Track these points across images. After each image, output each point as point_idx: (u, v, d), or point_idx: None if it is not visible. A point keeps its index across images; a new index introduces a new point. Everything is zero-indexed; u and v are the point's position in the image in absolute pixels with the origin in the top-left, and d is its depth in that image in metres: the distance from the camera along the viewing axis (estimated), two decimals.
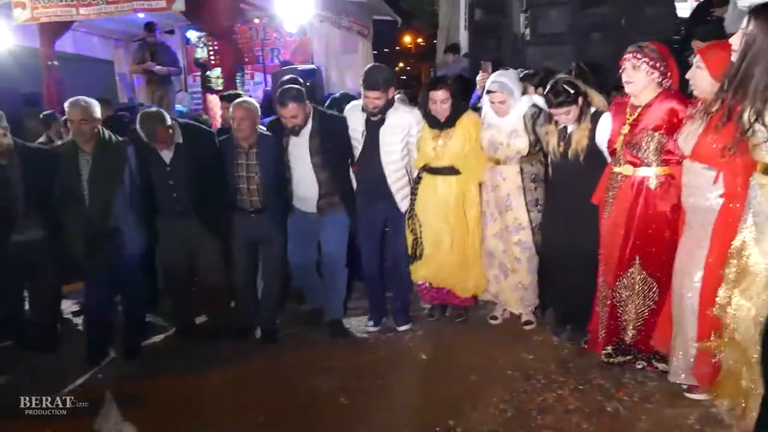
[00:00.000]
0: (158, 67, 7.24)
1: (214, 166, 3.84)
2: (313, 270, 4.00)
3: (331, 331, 3.95)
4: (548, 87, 3.39)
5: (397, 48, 26.50)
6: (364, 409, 3.10)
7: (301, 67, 5.80)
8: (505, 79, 3.63)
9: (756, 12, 2.18)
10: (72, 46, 7.56)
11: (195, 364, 3.67)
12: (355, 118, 3.82)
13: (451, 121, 3.71)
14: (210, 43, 6.78)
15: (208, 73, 7.68)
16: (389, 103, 3.72)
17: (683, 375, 2.90)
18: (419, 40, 27.02)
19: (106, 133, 3.75)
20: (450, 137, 3.71)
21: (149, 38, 7.17)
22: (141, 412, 3.15)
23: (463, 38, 9.09)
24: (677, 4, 7.75)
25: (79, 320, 4.42)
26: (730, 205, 2.52)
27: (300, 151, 3.76)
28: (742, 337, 2.37)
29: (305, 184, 3.79)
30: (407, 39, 27.66)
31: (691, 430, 2.67)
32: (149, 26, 7.10)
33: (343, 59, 8.34)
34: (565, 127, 3.41)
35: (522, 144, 3.63)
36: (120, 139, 3.81)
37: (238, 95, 4.38)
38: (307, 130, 3.74)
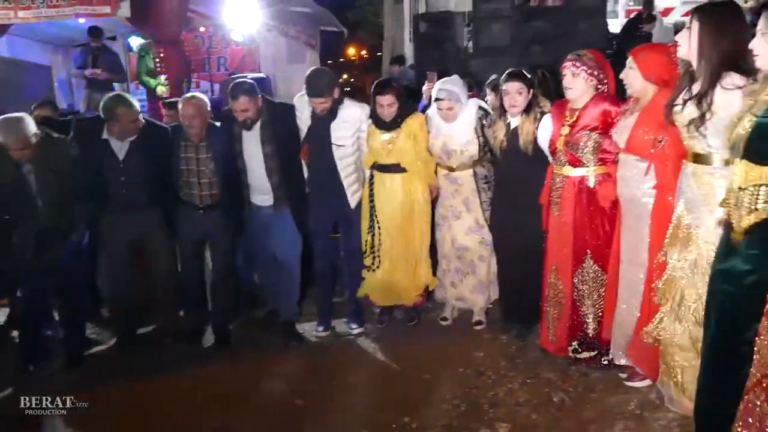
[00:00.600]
0: (98, 71, 7.05)
1: (168, 162, 3.81)
2: (269, 264, 4.00)
3: (284, 335, 3.97)
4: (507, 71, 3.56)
5: (341, 60, 26.64)
6: (320, 410, 3.14)
7: (251, 75, 5.79)
8: (451, 86, 3.76)
9: (696, 11, 2.42)
10: (8, 51, 7.29)
11: (144, 372, 3.60)
12: (302, 106, 3.84)
13: (396, 122, 3.79)
14: (156, 50, 6.67)
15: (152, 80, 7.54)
16: (336, 102, 3.76)
17: (624, 360, 3.10)
18: (363, 52, 27.29)
19: (45, 135, 3.56)
20: (397, 137, 3.79)
21: (93, 43, 6.99)
22: (91, 423, 3.09)
23: (408, 50, 9.30)
24: (609, 20, 8.22)
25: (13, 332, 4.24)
26: (666, 197, 2.70)
27: (252, 143, 3.76)
28: (682, 318, 2.56)
29: (258, 176, 3.79)
30: (351, 51, 27.87)
31: (632, 414, 2.85)
32: (94, 31, 6.92)
33: (290, 69, 8.34)
34: (509, 123, 3.58)
35: (474, 149, 3.77)
36: (60, 137, 3.69)
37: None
38: (258, 123, 3.75)
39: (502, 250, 3.78)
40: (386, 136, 3.80)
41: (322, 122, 3.76)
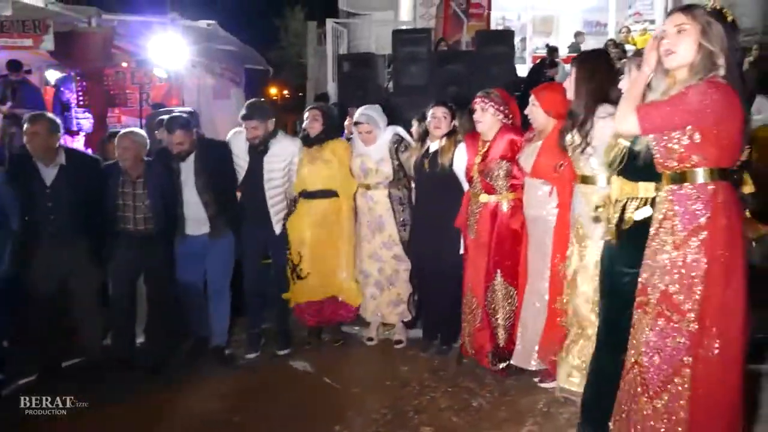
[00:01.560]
0: (9, 108, 6.88)
1: (96, 193, 3.87)
2: (201, 291, 4.10)
3: (216, 359, 4.05)
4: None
5: (262, 99, 26.71)
6: (258, 425, 3.26)
7: (178, 109, 5.88)
8: (371, 112, 4.13)
9: (574, 60, 2.96)
10: None
11: (74, 403, 3.42)
12: (238, 143, 4.09)
13: (321, 139, 4.12)
14: (79, 83, 6.60)
15: (67, 113, 7.41)
16: (269, 134, 4.04)
17: (532, 361, 3.43)
18: (285, 92, 27.56)
19: None
20: (322, 158, 4.09)
21: (12, 76, 6.85)
22: None
23: (332, 88, 9.63)
24: (517, 65, 8.93)
25: None
26: (567, 215, 3.08)
27: (187, 175, 3.94)
28: (580, 319, 2.92)
29: (192, 206, 3.96)
30: (273, 90, 28.08)
31: (541, 412, 3.18)
32: (13, 64, 6.79)
33: (215, 105, 8.47)
34: (428, 149, 3.92)
35: (388, 170, 4.09)
36: None
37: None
38: (192, 156, 3.95)
39: (422, 271, 4.06)
40: (312, 159, 4.08)
41: (257, 157, 4.02)
